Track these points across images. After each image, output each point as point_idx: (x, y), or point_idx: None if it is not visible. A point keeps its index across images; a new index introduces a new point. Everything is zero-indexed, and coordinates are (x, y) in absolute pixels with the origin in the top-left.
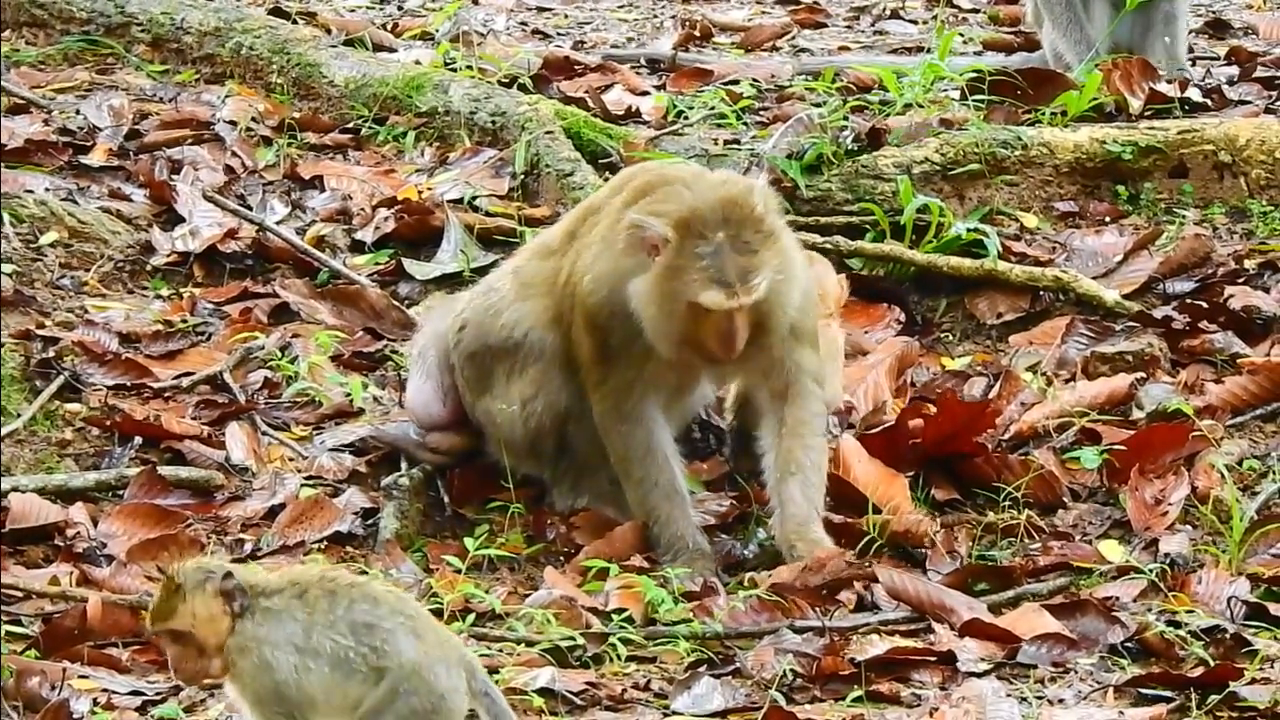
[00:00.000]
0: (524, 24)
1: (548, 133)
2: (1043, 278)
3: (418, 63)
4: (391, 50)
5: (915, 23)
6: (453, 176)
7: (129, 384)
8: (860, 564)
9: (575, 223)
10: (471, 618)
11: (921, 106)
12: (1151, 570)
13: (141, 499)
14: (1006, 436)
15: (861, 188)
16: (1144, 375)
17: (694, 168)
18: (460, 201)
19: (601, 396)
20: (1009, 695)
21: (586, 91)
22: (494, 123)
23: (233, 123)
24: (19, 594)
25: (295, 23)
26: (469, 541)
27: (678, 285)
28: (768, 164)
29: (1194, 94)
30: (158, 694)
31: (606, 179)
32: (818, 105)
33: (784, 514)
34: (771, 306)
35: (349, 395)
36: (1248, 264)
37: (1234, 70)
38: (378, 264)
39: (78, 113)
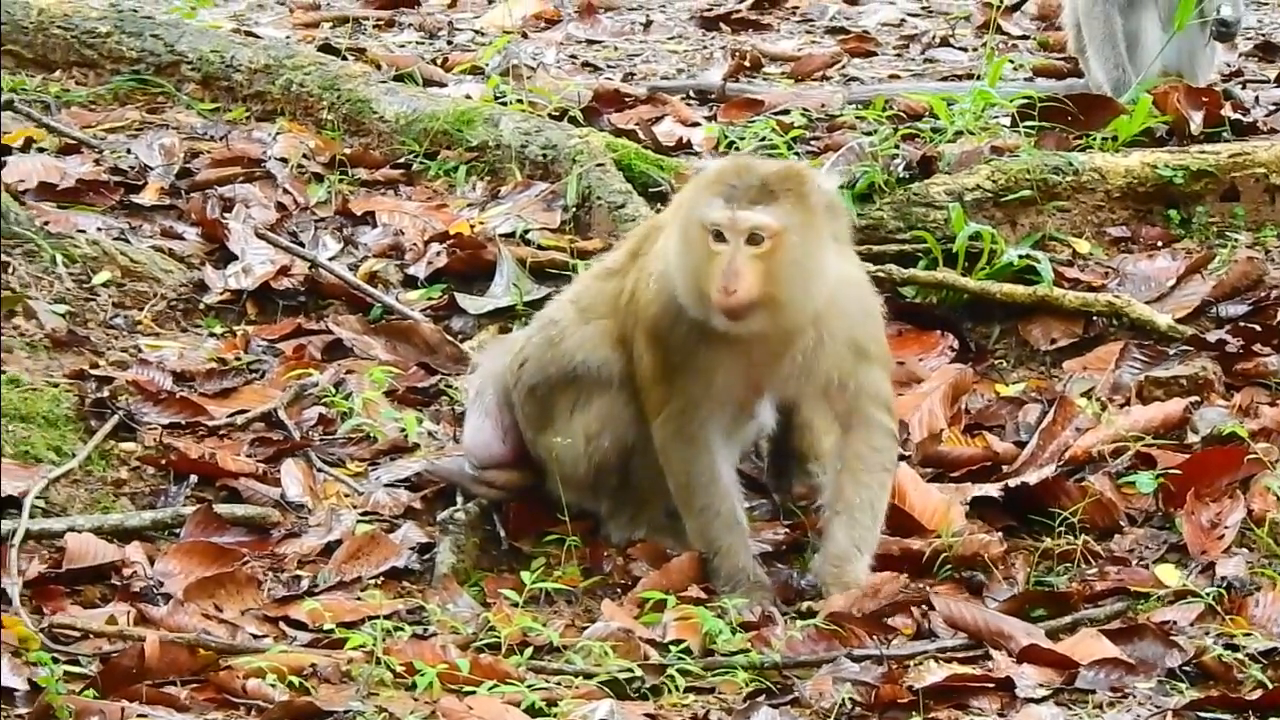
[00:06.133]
0: (573, 57)
1: (599, 165)
2: (1096, 303)
3: (468, 97)
4: (441, 85)
5: (965, 50)
6: (504, 210)
7: (184, 422)
8: (917, 589)
9: (639, 240)
10: (529, 651)
11: (972, 133)
12: (1208, 594)
13: (198, 537)
14: (1062, 462)
15: (913, 215)
16: (1198, 399)
17: None
18: (512, 235)
19: (664, 420)
20: None
21: (637, 123)
22: (545, 156)
23: (284, 160)
24: (77, 634)
25: (345, 59)
26: (526, 575)
27: (692, 212)
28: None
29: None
30: None
31: (658, 210)
32: (869, 134)
33: (824, 551)
34: (825, 314)
35: (404, 431)
36: None
37: None
38: (430, 299)
39: (129, 152)
